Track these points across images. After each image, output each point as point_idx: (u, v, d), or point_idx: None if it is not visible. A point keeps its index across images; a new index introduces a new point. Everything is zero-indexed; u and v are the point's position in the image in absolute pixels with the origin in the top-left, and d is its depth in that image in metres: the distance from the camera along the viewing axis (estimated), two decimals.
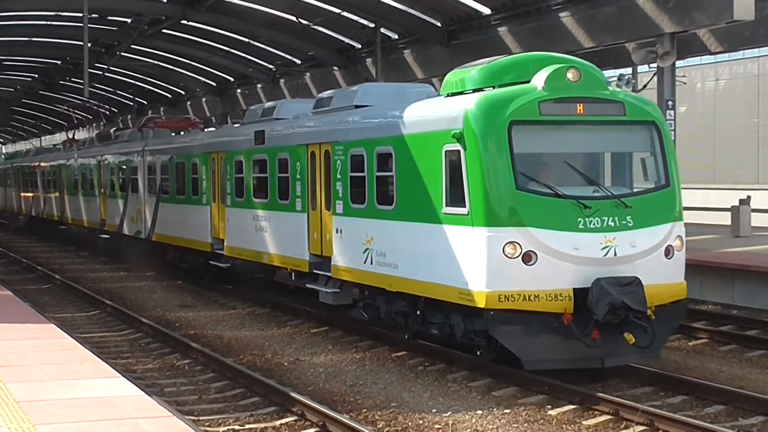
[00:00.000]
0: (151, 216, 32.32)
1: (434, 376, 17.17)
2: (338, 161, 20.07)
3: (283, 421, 14.42)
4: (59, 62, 57.10)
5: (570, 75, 15.95)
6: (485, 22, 33.37)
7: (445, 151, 16.34)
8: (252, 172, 24.59)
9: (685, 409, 14.55)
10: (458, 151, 15.97)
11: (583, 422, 14.05)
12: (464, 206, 15.86)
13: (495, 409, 14.80)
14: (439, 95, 18.54)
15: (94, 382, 12.69)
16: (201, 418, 14.52)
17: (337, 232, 20.16)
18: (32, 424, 10.53)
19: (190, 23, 42.63)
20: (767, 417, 13.96)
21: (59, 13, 43.91)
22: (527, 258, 15.33)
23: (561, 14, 29.96)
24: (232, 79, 52.77)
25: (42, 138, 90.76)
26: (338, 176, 20.09)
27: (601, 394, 14.71)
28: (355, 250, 19.39)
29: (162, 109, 61.40)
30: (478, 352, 16.72)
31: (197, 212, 28.26)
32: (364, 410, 14.89)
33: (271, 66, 47.83)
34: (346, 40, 41.24)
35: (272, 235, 23.49)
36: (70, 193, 44.18)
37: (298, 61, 45.62)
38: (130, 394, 12.12)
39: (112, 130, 44.00)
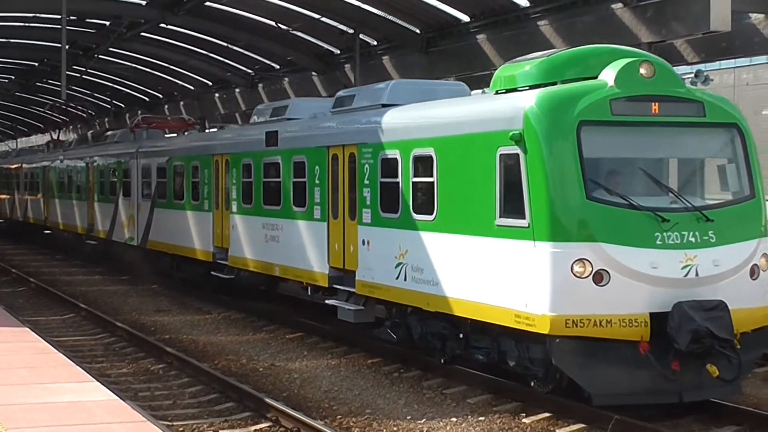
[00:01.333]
0: (145, 222, 30.58)
1: (409, 382, 17.17)
2: (366, 165, 18.26)
3: (258, 426, 14.40)
4: (36, 64, 56.80)
5: (643, 70, 14.28)
6: (464, 30, 33.34)
7: (500, 155, 14.52)
8: (262, 176, 22.78)
9: (658, 419, 14.58)
10: (517, 154, 14.11)
11: (557, 430, 14.09)
12: (523, 217, 13.99)
13: (469, 417, 14.81)
14: (475, 93, 17.13)
15: (67, 387, 12.64)
16: (175, 423, 14.48)
17: (363, 243, 18.35)
18: (4, 428, 10.47)
19: (169, 27, 42.51)
20: (740, 427, 14.03)
21: (37, 15, 43.70)
22: (598, 278, 13.56)
23: (539, 22, 29.99)
24: (210, 83, 52.64)
25: (18, 140, 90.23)
26: (366, 182, 18.24)
27: (574, 403, 14.65)
28: (385, 264, 17.58)
29: (139, 112, 61.16)
30: (533, 383, 15.13)
31: (198, 219, 26.54)
32: (339, 416, 14.89)
33: (249, 70, 47.72)
34: (325, 46, 41.19)
35: (286, 246, 21.57)
36: (54, 196, 42.76)
37: (277, 66, 45.54)
38: (104, 398, 12.08)
39: (88, 133, 43.24)
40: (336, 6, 35.70)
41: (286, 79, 45.22)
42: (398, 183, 17.25)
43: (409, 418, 14.83)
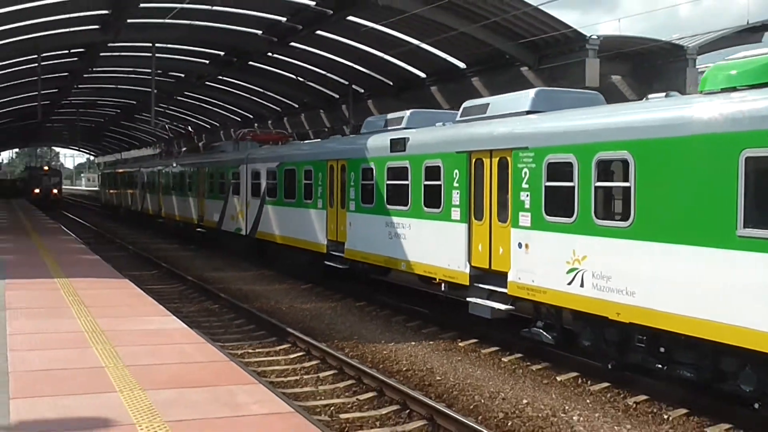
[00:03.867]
0: (254, 216, 25.71)
1: (383, 318, 17.18)
2: (524, 169, 12.88)
3: (281, 347, 14.42)
4: (135, 102, 56.54)
5: None
6: (422, 83, 33.50)
7: (746, 159, 8.98)
8: (386, 178, 17.39)
9: None
10: None
11: (482, 351, 14.01)
12: None
13: (423, 341, 14.86)
14: (654, 98, 11.59)
15: (154, 319, 12.62)
16: (226, 344, 14.49)
17: (519, 246, 12.91)
18: (113, 345, 10.47)
19: (224, 78, 42.41)
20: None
21: (135, 69, 43.49)
22: None
23: (472, 79, 30.07)
24: (251, 117, 52.51)
25: (121, 153, 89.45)
26: (524, 186, 12.86)
27: (494, 332, 14.51)
28: (551, 268, 12.16)
29: (204, 135, 60.95)
30: (757, 405, 9.51)
31: (311, 215, 21.40)
32: (336, 340, 14.91)
33: (278, 108, 47.66)
34: (329, 92, 41.18)
35: (414, 243, 16.28)
36: (167, 193, 38.58)
37: (296, 105, 45.48)
38: (178, 327, 12.06)
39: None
40: (336, 66, 35.76)
41: (303, 114, 45.15)
42: (573, 187, 11.79)
43: (383, 341, 14.87)
